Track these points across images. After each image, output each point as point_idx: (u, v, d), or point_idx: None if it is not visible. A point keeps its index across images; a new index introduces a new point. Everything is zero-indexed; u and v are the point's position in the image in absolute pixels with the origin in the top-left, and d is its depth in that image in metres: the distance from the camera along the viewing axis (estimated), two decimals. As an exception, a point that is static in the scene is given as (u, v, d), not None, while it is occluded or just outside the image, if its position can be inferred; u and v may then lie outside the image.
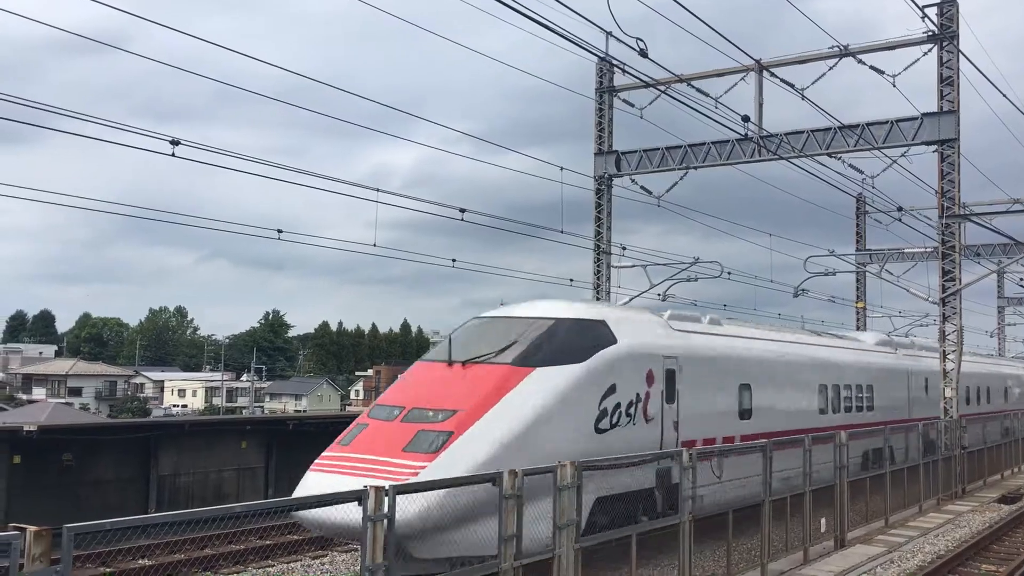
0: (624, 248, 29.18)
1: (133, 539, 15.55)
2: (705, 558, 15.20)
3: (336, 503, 8.26)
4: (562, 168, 25.12)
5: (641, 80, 18.55)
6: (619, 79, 31.05)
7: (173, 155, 14.16)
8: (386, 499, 7.94)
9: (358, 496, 7.86)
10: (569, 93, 69.22)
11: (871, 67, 25.83)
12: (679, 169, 29.82)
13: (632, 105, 30.50)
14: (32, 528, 5.46)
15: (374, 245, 21.14)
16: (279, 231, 19.58)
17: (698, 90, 21.27)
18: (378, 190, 19.34)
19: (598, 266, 30.86)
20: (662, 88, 22.41)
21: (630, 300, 27.19)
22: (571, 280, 29.25)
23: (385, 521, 7.90)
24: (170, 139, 14.23)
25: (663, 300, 28.08)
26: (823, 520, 16.12)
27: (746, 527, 15.25)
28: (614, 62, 17.30)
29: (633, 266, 28.79)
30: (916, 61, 25.78)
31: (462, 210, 20.96)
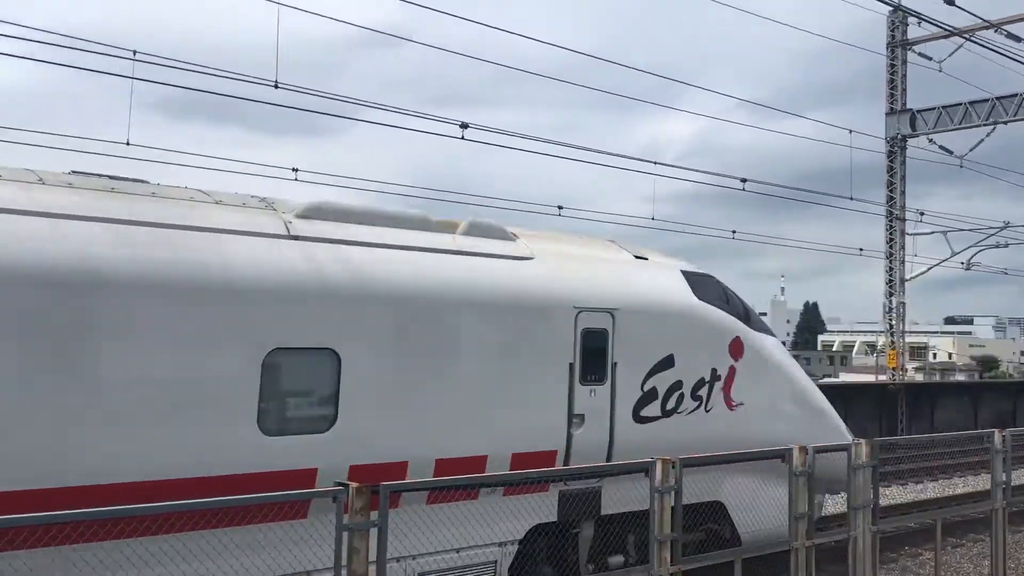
0: (922, 213, 27.16)
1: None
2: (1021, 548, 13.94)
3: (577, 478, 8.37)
4: (851, 131, 23.95)
5: (942, 28, 17.11)
6: (913, 31, 28.90)
7: (463, 138, 14.97)
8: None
9: (645, 468, 7.83)
10: (856, 51, 65.16)
11: None
12: (985, 125, 27.42)
13: (930, 59, 28.30)
14: (354, 484, 6.02)
15: (652, 219, 21.41)
16: (559, 207, 20.33)
17: (1009, 35, 19.21)
18: (655, 163, 19.56)
19: (890, 233, 29.03)
20: (966, 36, 20.56)
21: (928, 270, 25.32)
22: (861, 249, 27.67)
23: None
24: (459, 123, 15.06)
25: (967, 269, 25.91)
26: None
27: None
28: (909, 12, 16.08)
29: (932, 232, 26.83)
30: None
31: (743, 180, 20.68)
